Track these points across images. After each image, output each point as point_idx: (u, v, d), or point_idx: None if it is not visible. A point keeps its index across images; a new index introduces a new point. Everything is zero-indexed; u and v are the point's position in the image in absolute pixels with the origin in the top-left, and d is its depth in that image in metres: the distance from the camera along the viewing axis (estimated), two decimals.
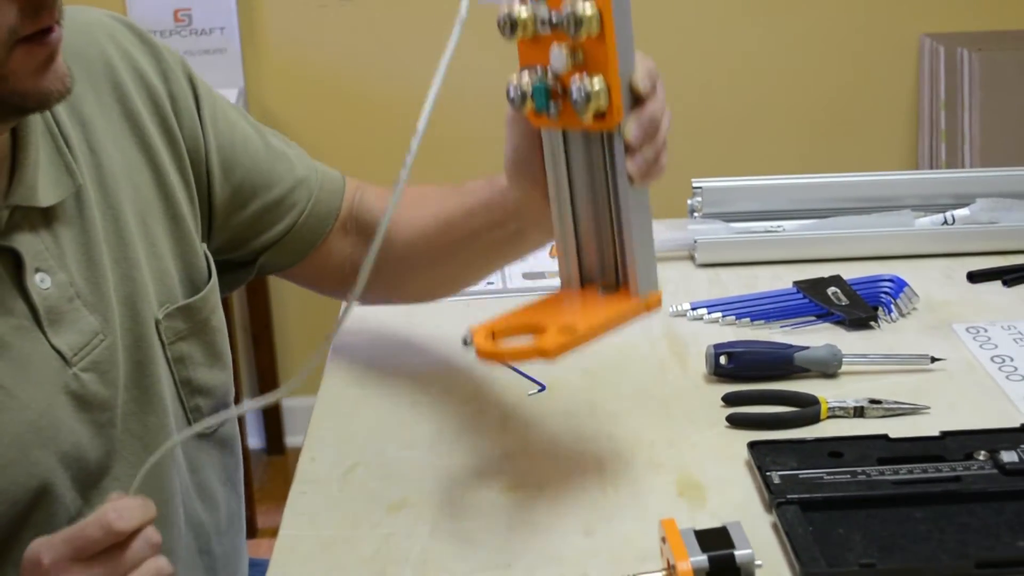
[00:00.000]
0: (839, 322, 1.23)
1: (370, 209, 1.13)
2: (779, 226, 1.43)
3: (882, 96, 2.59)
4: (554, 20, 0.87)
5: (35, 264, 0.87)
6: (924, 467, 0.95)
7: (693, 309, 1.27)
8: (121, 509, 0.80)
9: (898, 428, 1.02)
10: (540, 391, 1.11)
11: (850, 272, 1.31)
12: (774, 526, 0.90)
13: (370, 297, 1.18)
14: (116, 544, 0.79)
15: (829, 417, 1.05)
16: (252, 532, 2.29)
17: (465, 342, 0.87)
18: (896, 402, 1.06)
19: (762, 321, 1.24)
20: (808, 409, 1.05)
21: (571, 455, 1.02)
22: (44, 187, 0.88)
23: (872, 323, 1.23)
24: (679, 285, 1.34)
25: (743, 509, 0.93)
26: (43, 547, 0.80)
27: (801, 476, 0.94)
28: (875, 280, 1.29)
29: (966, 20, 2.52)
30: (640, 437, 1.04)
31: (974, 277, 1.33)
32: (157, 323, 0.96)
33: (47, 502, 0.87)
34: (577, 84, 0.86)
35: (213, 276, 1.03)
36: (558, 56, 0.87)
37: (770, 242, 1.40)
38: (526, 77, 0.89)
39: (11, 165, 0.87)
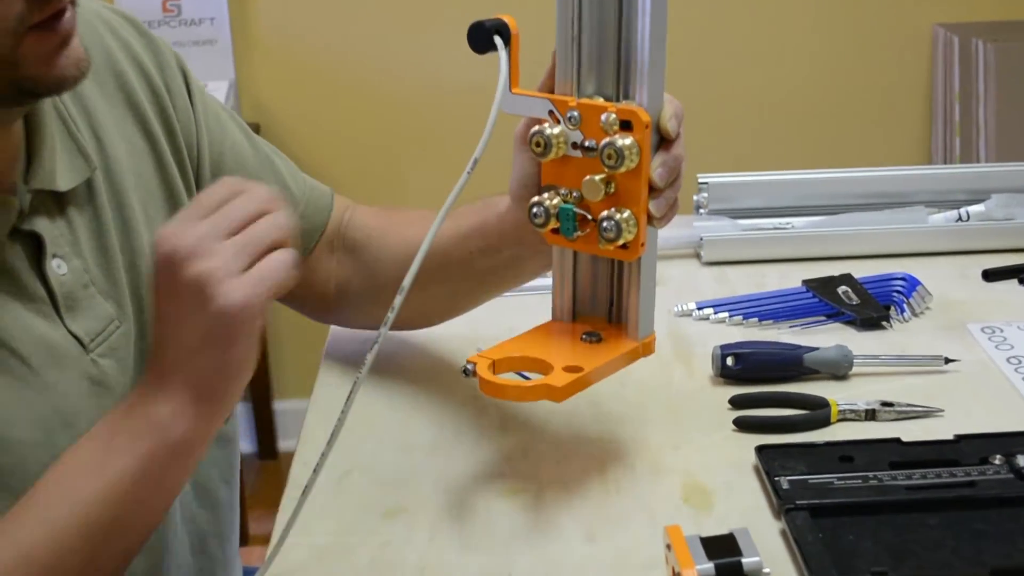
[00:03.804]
0: (850, 322, 1.23)
1: (361, 227, 1.13)
2: (788, 223, 1.43)
3: (894, 89, 2.59)
4: (587, 146, 0.90)
5: (52, 249, 0.89)
6: (938, 472, 0.95)
7: (699, 309, 1.27)
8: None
9: (911, 431, 1.02)
10: None
11: (861, 270, 1.31)
12: (783, 533, 0.90)
13: (355, 322, 1.18)
14: (243, 222, 0.79)
15: (840, 420, 1.05)
16: (244, 539, 2.29)
17: (466, 372, 0.91)
18: (909, 404, 1.06)
19: (770, 321, 1.24)
20: (818, 412, 1.05)
21: (573, 459, 1.02)
22: (61, 171, 0.90)
23: (884, 323, 1.23)
24: (684, 284, 1.34)
25: (751, 515, 0.93)
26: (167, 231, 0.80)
27: (811, 481, 0.94)
28: (887, 279, 1.29)
29: (981, 9, 2.52)
30: (644, 440, 1.04)
31: (989, 275, 1.33)
32: None
33: None
34: (608, 218, 0.89)
35: None
36: (592, 187, 0.89)
37: (778, 239, 1.40)
38: (554, 199, 0.92)
39: (27, 150, 0.88)
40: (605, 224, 0.89)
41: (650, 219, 0.91)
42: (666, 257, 1.40)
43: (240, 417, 2.67)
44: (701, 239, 1.39)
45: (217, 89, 2.39)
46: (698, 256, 1.41)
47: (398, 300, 0.88)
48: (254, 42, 2.50)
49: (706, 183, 1.44)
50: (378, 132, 2.57)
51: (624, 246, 0.91)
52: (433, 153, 2.56)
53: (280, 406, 2.71)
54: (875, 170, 1.48)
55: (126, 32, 1.01)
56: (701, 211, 1.44)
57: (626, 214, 0.89)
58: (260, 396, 2.66)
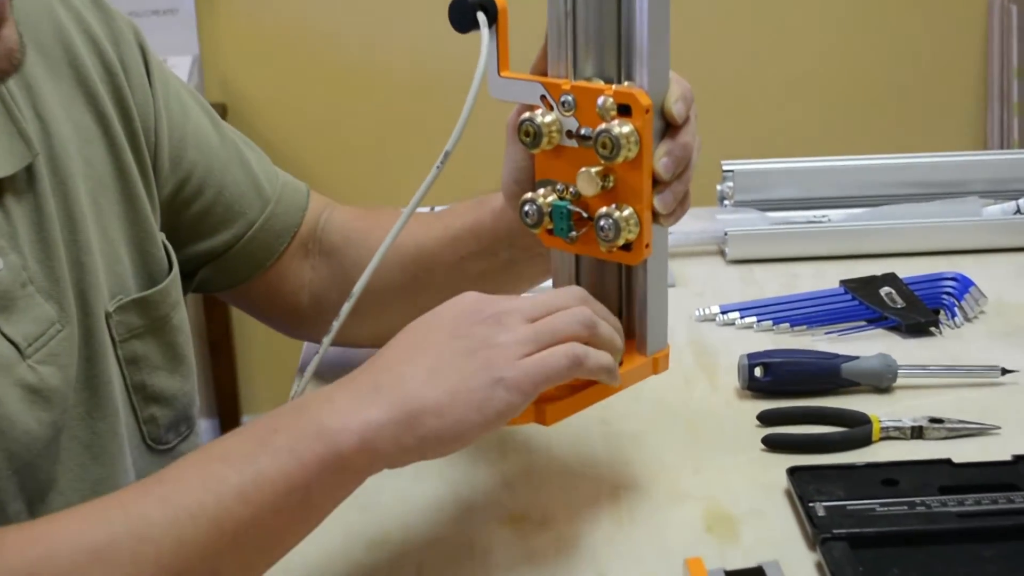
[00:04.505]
0: (894, 328, 1.23)
1: (339, 229, 1.13)
2: (824, 216, 1.43)
3: (944, 65, 2.59)
4: (583, 134, 0.89)
5: None
6: (994, 497, 0.94)
7: (723, 313, 1.27)
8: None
9: (963, 451, 1.02)
10: None
11: (907, 269, 1.31)
12: (818, 566, 0.90)
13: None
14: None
15: (882, 439, 1.05)
16: None
17: None
18: (961, 421, 1.06)
19: (804, 327, 1.24)
20: (857, 429, 1.05)
21: (581, 483, 1.02)
22: None
23: (932, 329, 1.23)
24: (707, 284, 1.34)
25: (782, 546, 0.93)
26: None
27: (850, 507, 0.94)
28: (936, 279, 1.29)
29: None
30: (661, 463, 1.04)
31: None
32: (108, 316, 0.96)
33: None
34: (606, 215, 0.89)
35: (174, 269, 1.03)
36: (587, 180, 0.89)
37: (813, 234, 1.40)
38: (548, 196, 0.92)
39: None
40: (602, 223, 0.89)
41: (656, 217, 0.90)
42: (687, 255, 1.40)
43: (206, 433, 2.68)
44: (725, 234, 1.39)
45: (179, 64, 2.39)
46: (722, 253, 1.41)
47: (346, 307, 0.90)
48: (220, 12, 2.50)
49: (731, 171, 1.44)
50: (357, 115, 2.58)
51: (626, 247, 0.90)
52: (418, 139, 2.56)
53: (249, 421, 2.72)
54: (923, 156, 1.48)
55: (77, 1, 1.00)
56: (725, 202, 1.44)
57: (627, 211, 0.89)
58: (228, 410, 2.66)
